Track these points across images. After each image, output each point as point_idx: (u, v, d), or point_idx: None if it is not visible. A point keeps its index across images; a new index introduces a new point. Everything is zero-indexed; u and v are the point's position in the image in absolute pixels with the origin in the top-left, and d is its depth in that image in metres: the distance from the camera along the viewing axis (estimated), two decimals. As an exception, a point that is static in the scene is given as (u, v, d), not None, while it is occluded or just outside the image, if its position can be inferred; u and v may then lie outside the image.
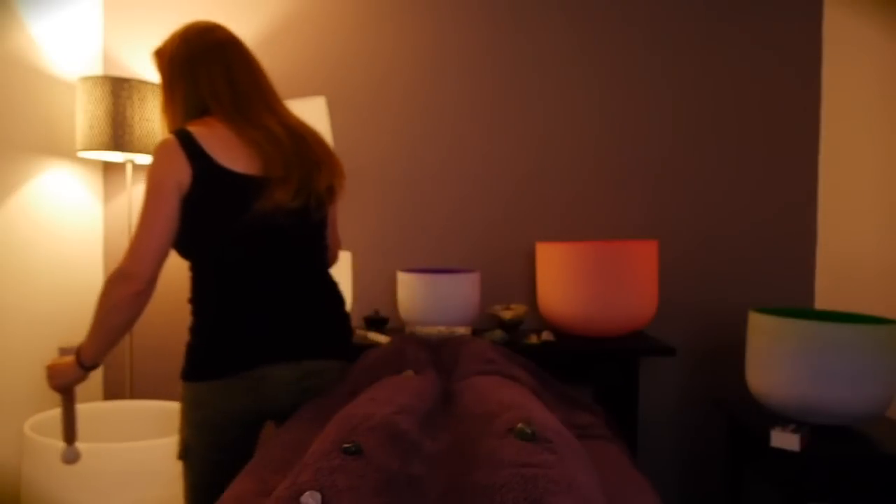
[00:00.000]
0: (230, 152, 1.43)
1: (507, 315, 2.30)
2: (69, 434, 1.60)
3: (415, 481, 0.91)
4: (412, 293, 2.24)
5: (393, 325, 2.58)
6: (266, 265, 1.46)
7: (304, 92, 2.57)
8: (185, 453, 1.51)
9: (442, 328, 2.02)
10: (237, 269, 1.44)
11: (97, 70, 2.57)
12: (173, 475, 1.99)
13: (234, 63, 1.50)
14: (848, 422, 1.77)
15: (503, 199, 2.57)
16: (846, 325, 1.69)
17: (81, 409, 2.29)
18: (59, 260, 2.36)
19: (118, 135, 2.25)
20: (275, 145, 1.44)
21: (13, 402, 2.16)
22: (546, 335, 2.25)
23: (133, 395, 2.51)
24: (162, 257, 1.40)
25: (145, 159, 2.47)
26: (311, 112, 2.20)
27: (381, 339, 2.21)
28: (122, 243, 2.62)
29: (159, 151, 1.40)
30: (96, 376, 2.60)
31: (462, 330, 2.04)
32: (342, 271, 2.32)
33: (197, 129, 1.43)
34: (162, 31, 2.58)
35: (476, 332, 2.35)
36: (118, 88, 2.25)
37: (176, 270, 2.60)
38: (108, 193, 2.62)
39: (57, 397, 2.35)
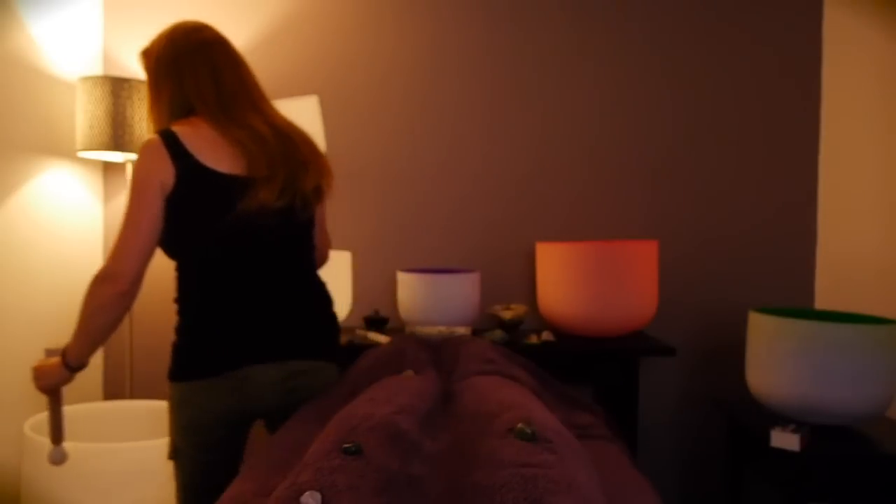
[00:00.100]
0: (214, 152, 1.43)
1: (507, 315, 2.30)
2: (56, 435, 1.61)
3: (415, 481, 0.91)
4: (412, 293, 2.24)
5: (393, 325, 2.58)
6: (250, 265, 1.46)
7: (305, 92, 2.57)
8: (175, 454, 1.52)
9: (442, 328, 2.02)
10: (221, 269, 1.44)
11: (97, 70, 2.57)
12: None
13: (219, 63, 1.50)
14: (848, 422, 1.77)
15: (503, 199, 2.57)
16: (846, 325, 1.69)
17: (81, 409, 2.29)
18: (59, 260, 2.36)
19: (118, 135, 2.25)
20: (260, 145, 1.44)
21: (13, 402, 2.16)
22: (546, 335, 2.25)
23: (133, 395, 2.51)
24: (146, 257, 1.40)
25: (145, 159, 2.46)
26: (304, 111, 2.19)
27: (381, 339, 2.21)
28: (122, 243, 2.62)
29: (143, 151, 1.40)
30: (96, 376, 2.60)
31: (462, 330, 2.04)
32: (342, 271, 2.32)
33: (181, 129, 1.43)
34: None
35: (476, 332, 2.35)
36: (118, 88, 2.25)
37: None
38: (108, 193, 2.62)
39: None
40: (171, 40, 1.51)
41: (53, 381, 1.50)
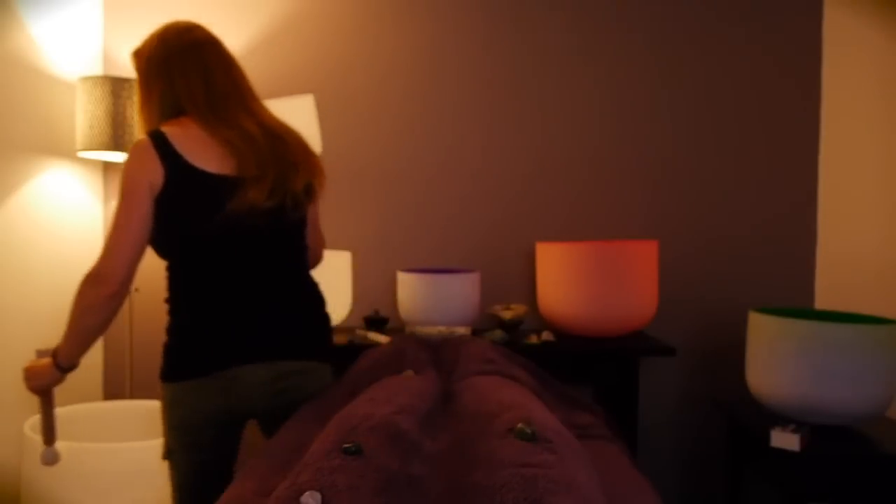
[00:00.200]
0: (203, 152, 1.42)
1: (507, 315, 2.30)
2: (48, 435, 1.61)
3: (415, 481, 0.91)
4: (412, 293, 2.24)
5: (393, 325, 2.58)
6: (240, 265, 1.45)
7: (305, 92, 2.57)
8: (168, 454, 1.52)
9: (442, 328, 2.02)
10: (210, 269, 1.44)
11: (97, 70, 2.57)
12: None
13: (210, 63, 1.49)
14: (848, 422, 1.77)
15: (503, 199, 2.57)
16: (846, 325, 1.69)
17: (81, 409, 2.30)
18: (59, 260, 2.36)
19: (118, 135, 2.25)
20: (249, 145, 1.43)
21: (13, 402, 2.16)
22: (546, 335, 2.25)
23: (133, 395, 2.51)
24: (136, 258, 1.39)
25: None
26: (300, 111, 2.19)
27: (381, 339, 2.21)
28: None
29: (132, 152, 1.40)
30: (96, 376, 2.60)
31: (462, 330, 2.04)
32: (342, 271, 2.32)
33: (170, 130, 1.42)
34: (162, 31, 2.58)
35: (476, 332, 2.35)
36: (118, 88, 2.25)
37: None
38: (108, 193, 2.62)
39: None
40: (163, 40, 1.51)
41: (45, 381, 1.50)
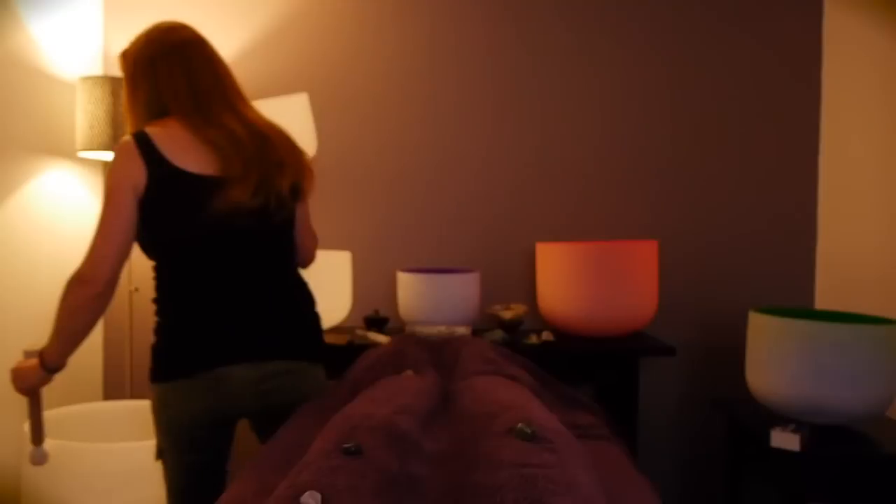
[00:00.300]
0: (187, 153, 1.42)
1: (507, 315, 2.30)
2: (37, 436, 1.61)
3: (415, 481, 0.91)
4: (412, 293, 2.24)
5: (393, 325, 2.58)
6: (225, 265, 1.45)
7: (304, 92, 2.57)
8: (160, 454, 1.52)
9: (442, 328, 2.02)
10: (195, 270, 1.44)
11: (97, 70, 2.57)
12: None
13: (195, 62, 1.49)
14: (848, 422, 1.77)
15: (503, 199, 2.57)
16: (846, 325, 1.69)
17: (81, 409, 2.30)
18: (59, 260, 2.36)
19: (118, 135, 2.25)
20: (234, 144, 1.43)
21: (13, 402, 2.16)
22: (546, 335, 2.25)
23: (133, 395, 2.51)
24: (120, 259, 1.39)
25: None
26: (294, 110, 2.19)
27: (381, 339, 2.21)
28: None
29: (116, 154, 1.40)
30: (96, 376, 2.60)
31: (462, 330, 2.04)
32: (342, 271, 2.32)
33: (154, 131, 1.42)
34: (162, 31, 2.58)
35: (476, 332, 2.35)
36: (118, 88, 2.25)
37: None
38: (108, 193, 2.62)
39: (51, 397, 2.35)
40: (149, 41, 1.51)
41: (32, 382, 1.50)
